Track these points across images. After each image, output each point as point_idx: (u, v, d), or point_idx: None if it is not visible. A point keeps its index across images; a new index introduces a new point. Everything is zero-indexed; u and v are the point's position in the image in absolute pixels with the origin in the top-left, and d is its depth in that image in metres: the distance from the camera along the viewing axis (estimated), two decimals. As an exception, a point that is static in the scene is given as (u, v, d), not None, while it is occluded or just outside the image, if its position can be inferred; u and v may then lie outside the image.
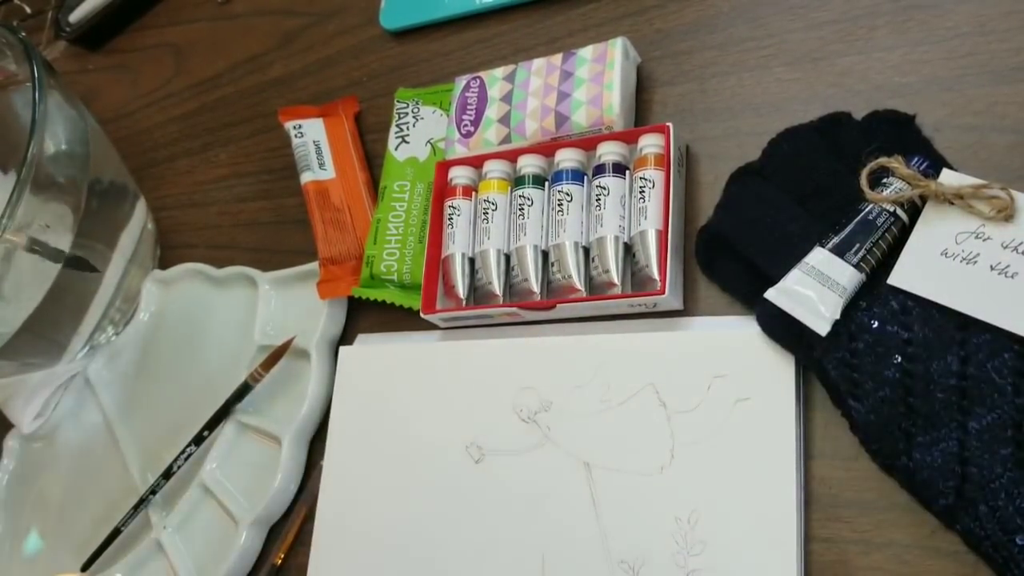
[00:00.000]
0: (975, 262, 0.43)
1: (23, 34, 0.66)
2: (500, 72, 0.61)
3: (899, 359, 0.42)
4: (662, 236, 0.51)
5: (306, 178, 0.67)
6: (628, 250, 0.53)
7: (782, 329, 0.46)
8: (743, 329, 0.49)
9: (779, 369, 0.47)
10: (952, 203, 0.44)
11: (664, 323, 0.52)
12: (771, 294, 0.46)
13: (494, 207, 0.57)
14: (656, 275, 0.51)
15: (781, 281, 0.46)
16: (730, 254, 0.50)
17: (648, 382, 0.50)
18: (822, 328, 0.44)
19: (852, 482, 0.45)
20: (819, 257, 0.45)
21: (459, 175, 0.59)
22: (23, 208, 0.59)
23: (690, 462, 0.47)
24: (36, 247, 0.62)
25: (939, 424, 0.41)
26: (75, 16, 0.92)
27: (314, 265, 0.64)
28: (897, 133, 0.48)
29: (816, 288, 0.44)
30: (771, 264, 0.47)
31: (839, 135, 0.49)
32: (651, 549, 0.47)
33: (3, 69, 0.69)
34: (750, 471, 0.46)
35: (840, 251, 0.45)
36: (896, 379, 0.42)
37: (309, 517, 0.58)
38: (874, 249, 0.44)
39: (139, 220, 0.73)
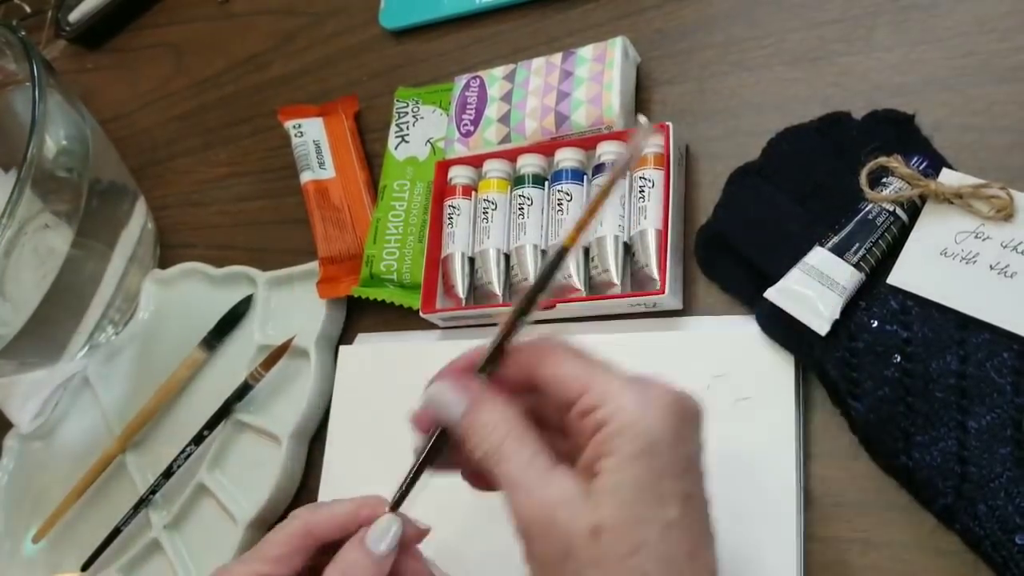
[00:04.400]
0: (975, 261, 0.43)
1: (23, 33, 0.65)
2: (500, 71, 0.61)
3: (898, 358, 0.42)
4: (662, 236, 0.51)
5: (306, 177, 0.67)
6: (628, 250, 0.53)
7: (782, 329, 0.46)
8: (743, 328, 0.49)
9: (779, 368, 0.47)
10: (952, 203, 0.44)
11: (664, 323, 0.52)
12: (771, 294, 0.46)
13: (494, 206, 0.57)
14: (656, 275, 0.51)
15: (781, 281, 0.46)
16: (730, 253, 0.50)
17: (647, 382, 0.50)
18: (821, 328, 0.44)
19: (852, 482, 0.45)
20: (819, 257, 0.45)
21: (459, 174, 0.59)
22: (23, 207, 0.59)
23: (690, 461, 0.47)
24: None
25: (938, 423, 0.41)
26: (75, 15, 0.92)
27: (314, 264, 0.64)
28: (897, 132, 0.48)
29: (816, 288, 0.44)
30: (771, 264, 0.47)
31: (839, 135, 0.49)
32: (651, 548, 0.47)
33: (3, 68, 0.69)
34: (750, 470, 0.46)
35: (840, 251, 0.45)
36: (895, 378, 0.42)
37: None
38: (874, 249, 0.44)
39: (139, 219, 0.73)
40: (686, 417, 0.34)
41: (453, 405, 0.36)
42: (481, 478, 0.38)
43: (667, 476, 0.32)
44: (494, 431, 0.35)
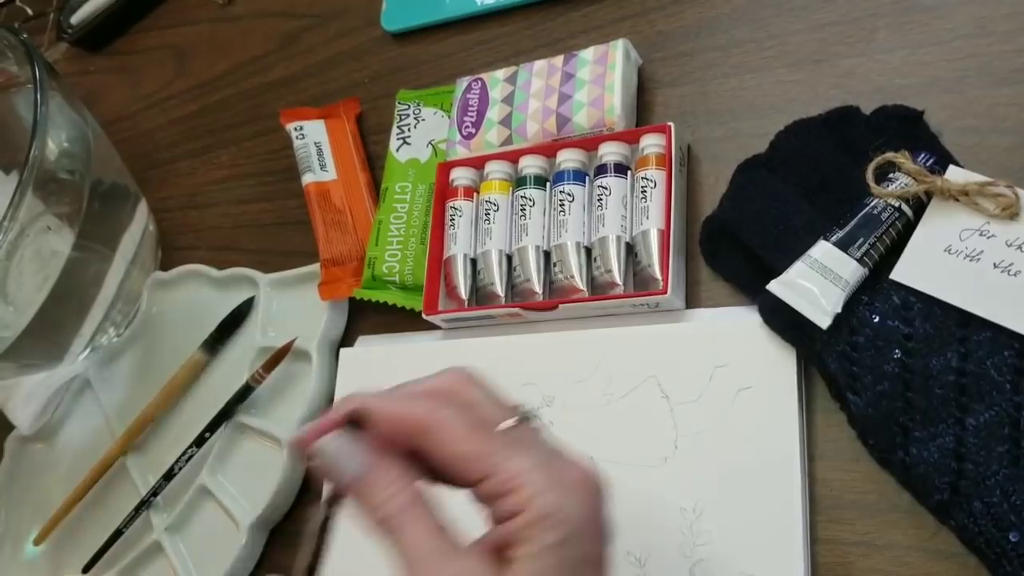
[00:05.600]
0: (978, 259, 0.43)
1: (25, 36, 0.65)
2: (501, 74, 0.61)
3: (899, 354, 0.43)
4: (664, 235, 0.51)
5: (307, 179, 0.67)
6: (630, 250, 0.53)
7: (784, 321, 0.46)
8: (745, 318, 0.49)
9: (781, 356, 0.47)
10: (957, 200, 0.44)
11: (666, 319, 0.52)
12: (773, 286, 0.46)
13: (496, 208, 0.57)
14: (658, 274, 0.51)
15: (784, 273, 0.46)
16: (734, 245, 0.50)
17: (650, 374, 0.50)
18: (823, 321, 0.44)
19: (853, 484, 0.45)
20: (822, 250, 0.45)
21: (460, 176, 0.59)
22: (25, 210, 0.59)
23: (694, 452, 0.47)
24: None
25: (936, 420, 0.41)
26: (76, 18, 0.92)
27: (315, 267, 0.64)
28: (905, 129, 0.48)
29: (818, 281, 0.44)
30: (775, 256, 0.47)
31: (847, 129, 0.49)
32: (657, 540, 0.47)
33: (5, 71, 0.69)
34: (754, 458, 0.46)
35: (844, 245, 0.45)
36: (895, 373, 0.42)
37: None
38: (878, 244, 0.44)
39: (140, 222, 0.73)
40: (599, 496, 0.33)
41: (347, 461, 0.34)
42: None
43: (587, 564, 0.31)
44: (392, 498, 0.33)
